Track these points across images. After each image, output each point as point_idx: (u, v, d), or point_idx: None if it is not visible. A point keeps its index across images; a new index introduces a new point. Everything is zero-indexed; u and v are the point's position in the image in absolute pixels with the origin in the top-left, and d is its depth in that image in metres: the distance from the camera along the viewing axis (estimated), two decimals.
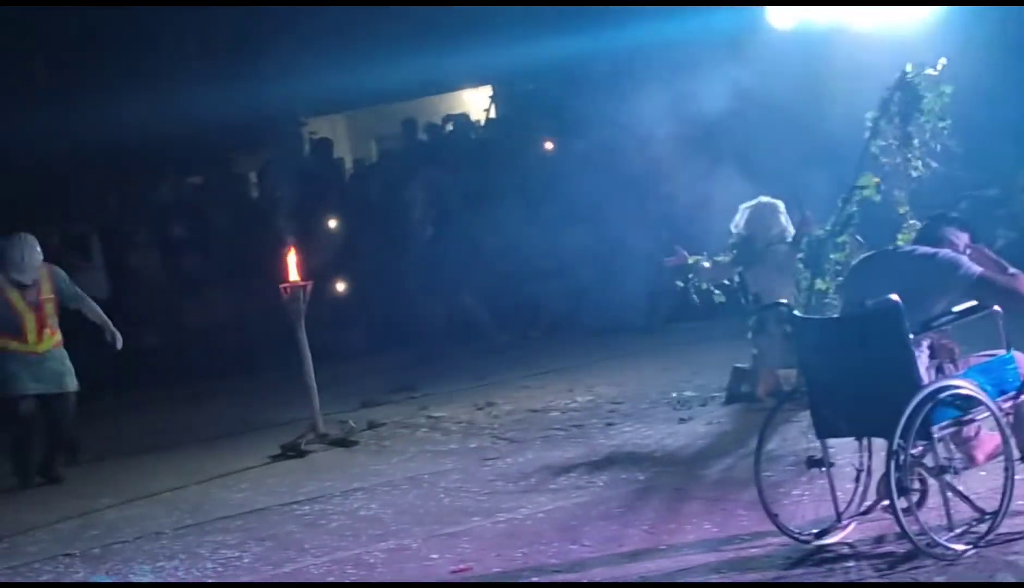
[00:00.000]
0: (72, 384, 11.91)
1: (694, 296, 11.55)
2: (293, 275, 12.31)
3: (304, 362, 12.16)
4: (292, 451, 11.75)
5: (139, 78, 18.98)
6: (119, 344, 12.06)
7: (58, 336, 11.97)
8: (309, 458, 11.57)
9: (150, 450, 12.82)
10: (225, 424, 13.66)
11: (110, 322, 12.12)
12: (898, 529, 6.90)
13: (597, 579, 7.24)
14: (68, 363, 11.94)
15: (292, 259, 12.53)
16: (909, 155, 10.42)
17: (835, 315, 8.17)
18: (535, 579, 7.32)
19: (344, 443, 11.91)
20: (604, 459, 10.12)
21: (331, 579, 7.89)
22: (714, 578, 7.04)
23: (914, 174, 10.47)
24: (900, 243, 9.69)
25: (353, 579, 7.84)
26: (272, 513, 9.79)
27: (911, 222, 10.42)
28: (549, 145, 18.71)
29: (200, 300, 17.50)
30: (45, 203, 17.61)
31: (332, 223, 17.64)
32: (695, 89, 15.25)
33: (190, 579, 8.29)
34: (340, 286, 16.51)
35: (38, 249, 11.99)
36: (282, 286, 12.41)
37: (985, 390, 7.14)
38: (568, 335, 16.37)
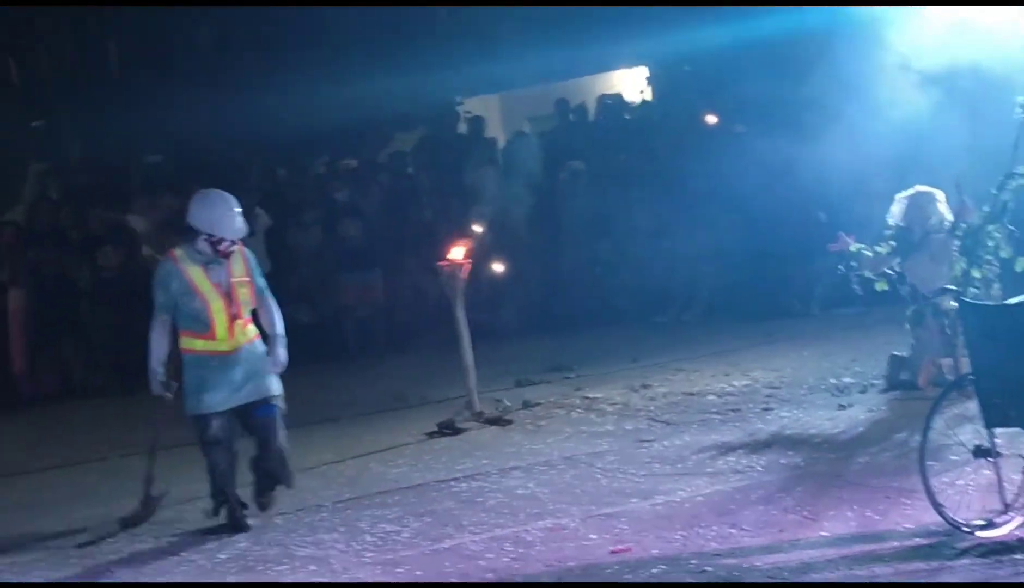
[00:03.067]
0: (276, 387, 9.41)
1: (855, 286, 11.40)
2: (451, 254, 12.41)
3: (461, 340, 12.25)
4: (448, 428, 11.84)
5: (303, 62, 19.32)
6: (278, 367, 9.39)
7: (252, 329, 9.45)
8: (465, 436, 11.64)
9: (308, 425, 12.96)
10: (381, 401, 13.79)
11: (283, 338, 9.50)
12: None
13: (757, 564, 7.19)
14: (266, 360, 9.43)
15: (451, 238, 12.66)
16: None
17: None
18: (694, 562, 7.29)
19: (500, 422, 11.97)
20: (762, 443, 10.05)
21: (489, 556, 7.94)
22: (878, 568, 6.96)
23: None
24: None
25: (511, 557, 7.88)
26: (429, 489, 9.88)
27: None
28: (711, 118, 18.58)
29: (358, 277, 17.65)
30: (214, 178, 17.95)
31: (487, 202, 17.68)
32: (854, 71, 15.03)
33: (350, 552, 8.39)
34: (495, 266, 16.56)
35: (237, 210, 9.36)
36: (440, 264, 12.53)
37: None
38: (724, 319, 16.26)
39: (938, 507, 7.35)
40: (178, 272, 9.27)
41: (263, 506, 9.43)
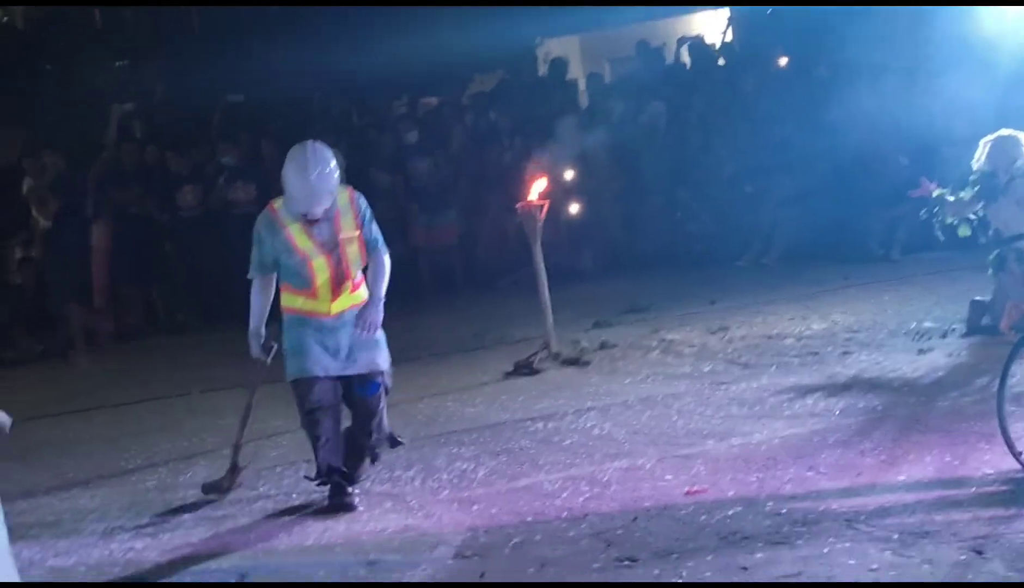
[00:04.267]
0: (382, 361, 8.37)
1: (938, 231, 11.28)
2: (530, 195, 12.42)
3: (539, 281, 12.27)
4: (525, 369, 11.88)
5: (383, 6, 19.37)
6: (367, 332, 8.25)
7: (362, 292, 8.35)
8: (542, 376, 11.68)
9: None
10: (459, 340, 13.85)
11: (381, 299, 8.37)
12: None
13: (833, 508, 7.17)
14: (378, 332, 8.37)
15: (529, 178, 12.67)
16: None
17: None
18: (768, 508, 7.29)
19: (577, 362, 12.00)
20: (840, 387, 10.00)
21: (564, 495, 7.96)
22: (955, 514, 6.91)
23: None
24: None
25: (587, 496, 7.90)
26: (506, 428, 9.92)
27: None
28: (783, 60, 18.43)
29: (432, 218, 17.71)
30: (293, 118, 18.07)
31: (566, 144, 17.64)
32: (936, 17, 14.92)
33: (426, 490, 8.46)
34: (574, 207, 16.55)
35: (333, 164, 8.18)
36: (518, 205, 12.54)
37: None
38: (803, 263, 16.15)
39: (1016, 454, 7.30)
40: (277, 226, 8.26)
41: (350, 480, 8.39)
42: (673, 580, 6.30)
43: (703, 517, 7.24)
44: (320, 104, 19.14)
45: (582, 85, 21.05)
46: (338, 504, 8.17)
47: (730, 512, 7.27)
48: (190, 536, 7.94)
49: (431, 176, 17.72)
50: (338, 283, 8.23)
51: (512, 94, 19.65)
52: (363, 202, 8.36)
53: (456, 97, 19.97)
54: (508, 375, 11.83)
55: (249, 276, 8.43)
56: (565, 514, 7.55)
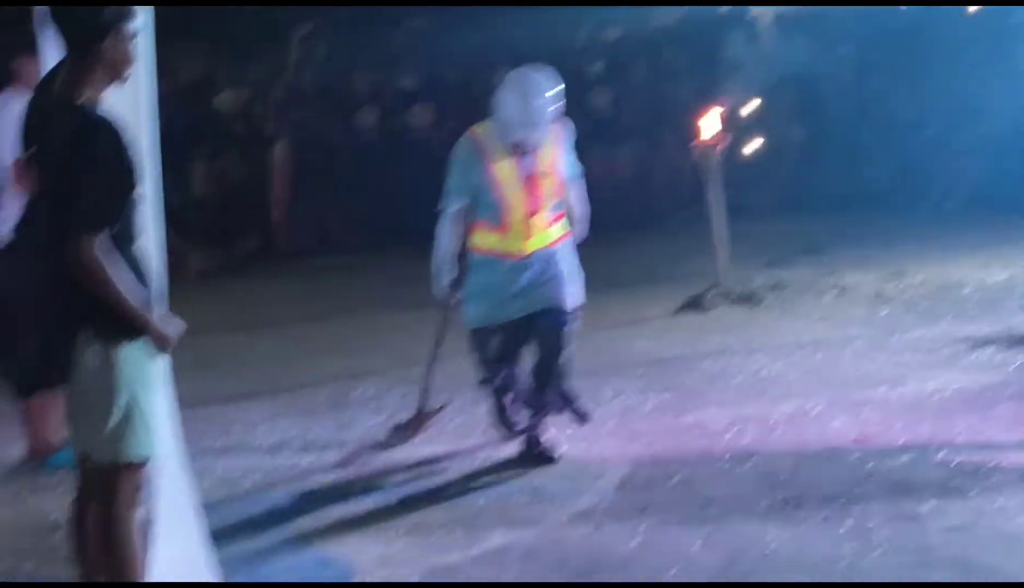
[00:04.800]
0: (571, 298, 7.63)
1: None
2: (706, 133, 12.27)
3: (713, 218, 12.14)
4: (695, 305, 11.80)
5: None
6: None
7: (555, 230, 7.68)
8: (712, 314, 11.57)
9: None
10: (629, 274, 13.78)
11: (584, 219, 7.90)
12: None
13: (1008, 461, 7.01)
14: (570, 265, 7.68)
15: (708, 115, 12.50)
16: None
17: None
18: (939, 458, 7.15)
19: (748, 301, 11.87)
20: (1018, 339, 9.74)
21: (730, 435, 7.91)
22: None
23: None
24: None
25: (753, 436, 7.84)
26: (673, 364, 9.87)
27: None
28: (972, 8, 17.90)
29: (605, 151, 17.62)
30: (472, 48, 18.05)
31: (746, 81, 17.40)
32: None
33: (593, 422, 8.42)
34: (752, 145, 16.33)
35: (557, 91, 7.52)
36: (693, 143, 12.40)
37: None
38: (986, 210, 15.73)
39: None
40: (478, 154, 7.58)
41: (532, 441, 7.73)
42: (841, 524, 6.22)
43: (871, 464, 7.13)
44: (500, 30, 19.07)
45: (765, 22, 20.67)
46: (534, 456, 7.63)
47: (900, 460, 7.15)
48: (355, 456, 8.03)
49: (611, 108, 17.60)
50: (532, 221, 7.55)
51: (692, 29, 19.39)
52: (570, 136, 7.73)
53: (639, 30, 19.75)
54: (678, 311, 11.75)
55: (440, 207, 7.69)
56: (730, 453, 7.50)
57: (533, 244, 7.60)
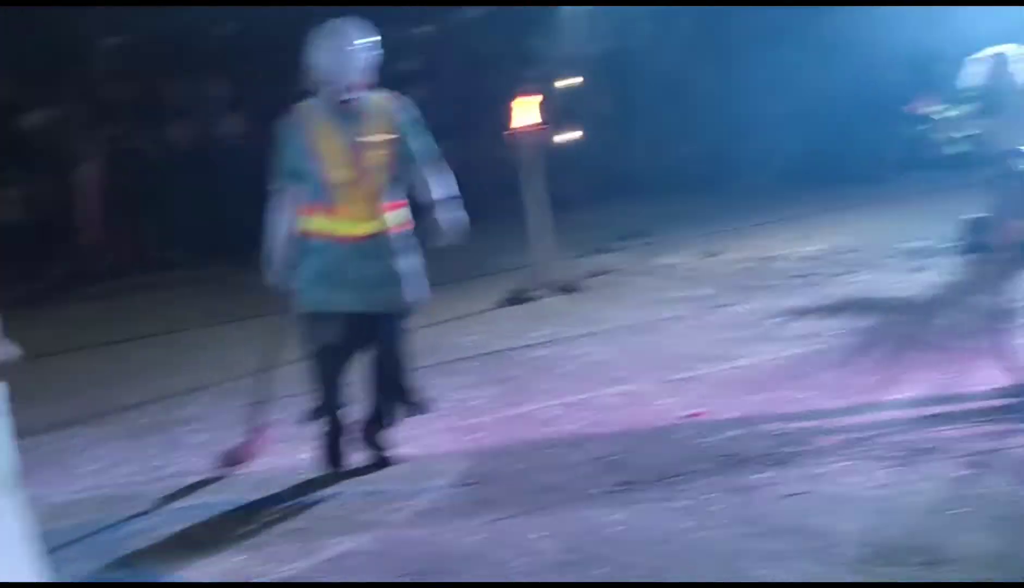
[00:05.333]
0: (411, 296, 7.36)
1: (933, 148, 11.24)
2: (520, 122, 12.35)
3: (533, 209, 12.23)
4: (520, 297, 11.88)
5: None
6: (443, 232, 7.43)
7: (394, 217, 7.26)
8: (538, 303, 11.68)
9: None
10: (452, 270, 13.75)
11: (447, 202, 7.37)
12: None
13: (834, 427, 7.17)
14: (409, 262, 7.32)
15: (521, 105, 12.58)
16: None
17: None
18: (767, 429, 7.29)
19: (571, 289, 11.99)
20: (837, 308, 10.01)
21: (565, 421, 7.97)
22: (951, 427, 6.92)
23: None
24: None
25: (588, 421, 7.90)
26: (504, 356, 9.92)
27: None
28: None
29: None
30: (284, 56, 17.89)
31: (557, 70, 17.55)
32: None
33: (425, 419, 8.40)
34: (568, 134, 16.48)
35: (374, 42, 7.18)
36: (506, 133, 12.47)
37: None
38: (798, 184, 16.11)
39: (1012, 370, 7.30)
40: (299, 123, 7.21)
41: (373, 443, 7.53)
42: (677, 501, 6.30)
43: (703, 439, 7.23)
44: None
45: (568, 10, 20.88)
46: (328, 456, 7.45)
47: (730, 434, 7.27)
48: (188, 470, 7.92)
49: (426, 104, 17.59)
50: (361, 199, 7.16)
51: (500, 20, 19.50)
52: (407, 110, 7.31)
53: (447, 24, 19.80)
54: (504, 303, 11.81)
55: (269, 188, 7.32)
56: (565, 440, 7.55)
57: (366, 227, 7.18)
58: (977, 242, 11.28)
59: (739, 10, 18.03)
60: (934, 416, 7.14)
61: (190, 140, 17.25)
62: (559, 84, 16.78)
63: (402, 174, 7.28)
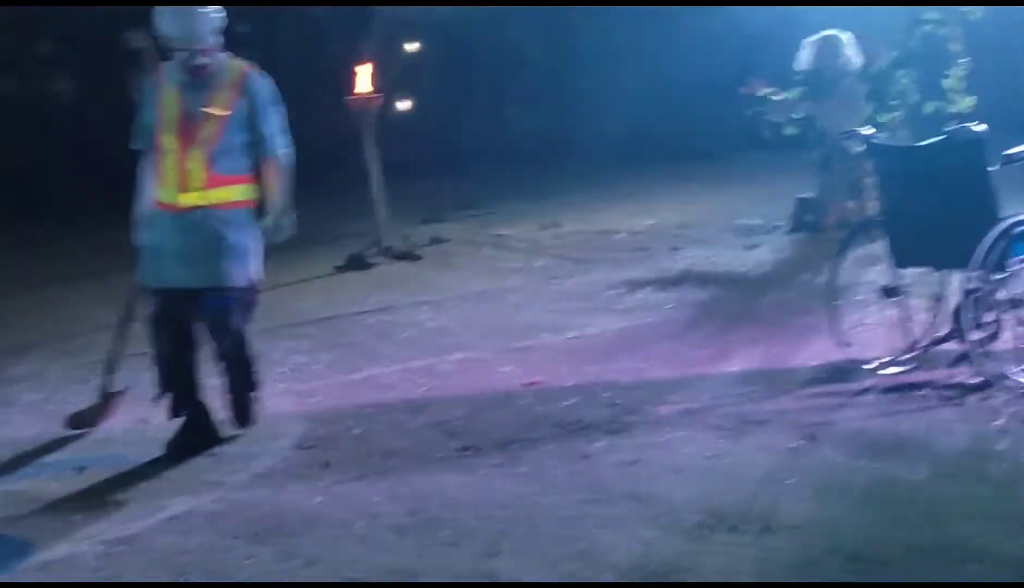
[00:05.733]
0: (234, 276, 7.05)
1: (764, 130, 11.47)
2: (360, 88, 12.32)
3: (370, 176, 12.23)
4: (357, 263, 11.87)
5: None
6: (270, 237, 7.21)
7: (226, 192, 7.04)
8: (374, 271, 11.69)
9: None
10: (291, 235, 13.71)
11: (281, 210, 7.18)
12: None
13: (669, 398, 7.31)
14: (241, 238, 7.05)
15: (361, 72, 12.54)
16: None
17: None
18: (607, 394, 7.40)
19: (409, 257, 12.03)
20: (671, 282, 10.19)
21: (403, 386, 8.01)
22: (784, 399, 7.12)
23: (971, 16, 10.22)
24: None
25: (425, 388, 7.95)
26: (340, 322, 9.92)
27: (962, 60, 10.28)
28: None
29: None
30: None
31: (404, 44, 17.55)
32: None
33: (265, 381, 8.38)
34: (406, 104, 16.47)
35: (219, 10, 7.08)
36: (348, 98, 12.43)
37: None
38: (633, 160, 16.32)
39: (844, 345, 7.51)
40: (153, 89, 7.14)
41: (240, 420, 7.33)
42: (518, 467, 6.38)
43: (541, 407, 7.33)
44: None
45: None
46: (194, 442, 7.07)
47: (568, 402, 7.37)
48: (22, 430, 7.79)
49: (262, 68, 17.44)
50: (186, 168, 6.97)
51: None
52: (260, 86, 7.11)
53: None
54: (340, 269, 11.80)
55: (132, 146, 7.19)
56: (405, 405, 7.59)
57: (190, 198, 6.96)
58: (807, 221, 11.57)
59: None
60: (767, 389, 7.33)
61: (17, 96, 16.86)
62: (405, 49, 16.76)
63: (244, 149, 7.06)
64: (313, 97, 17.45)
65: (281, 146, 7.20)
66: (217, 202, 7.02)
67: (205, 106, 6.98)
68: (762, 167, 14.47)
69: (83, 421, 7.70)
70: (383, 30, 17.61)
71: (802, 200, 11.68)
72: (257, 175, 7.15)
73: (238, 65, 7.14)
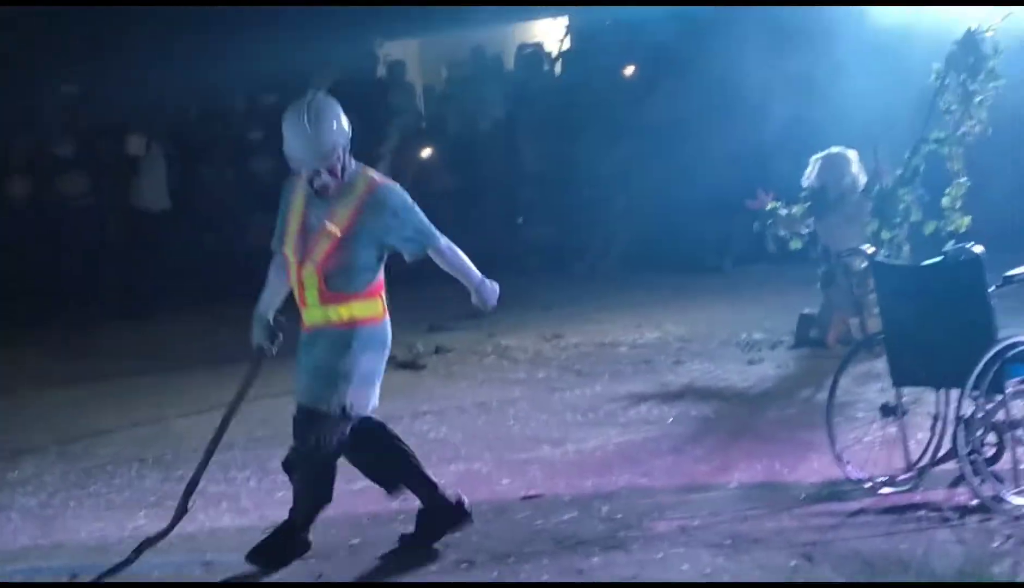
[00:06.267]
0: (322, 399, 6.76)
1: (771, 244, 11.51)
2: None
3: None
4: None
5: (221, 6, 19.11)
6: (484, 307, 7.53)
7: (343, 310, 6.77)
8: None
9: (224, 361, 12.93)
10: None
11: (479, 283, 7.42)
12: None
13: (667, 513, 7.30)
14: (343, 362, 6.75)
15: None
16: (971, 113, 10.25)
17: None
18: (606, 509, 7.39)
19: (412, 366, 12.02)
20: (673, 395, 10.19)
21: (402, 497, 7.96)
22: (783, 517, 7.10)
23: (968, 137, 10.28)
24: None
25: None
26: None
27: (962, 179, 10.36)
28: (629, 70, 18.66)
29: (271, 218, 17.64)
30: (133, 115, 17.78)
31: (399, 144, 17.70)
32: (779, 34, 15.28)
33: (261, 491, 8.42)
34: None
35: (341, 121, 6.83)
36: None
37: None
38: (638, 271, 16.37)
39: (842, 462, 7.51)
40: (290, 190, 6.99)
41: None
42: (513, 581, 6.35)
43: (539, 521, 7.32)
44: (155, 98, 18.86)
45: (419, 89, 21.08)
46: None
47: (566, 516, 7.36)
48: (18, 534, 7.78)
49: (272, 175, 17.62)
50: (302, 281, 6.77)
51: (350, 95, 19.54)
52: (386, 198, 6.79)
53: (294, 96, 19.76)
54: None
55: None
56: (403, 516, 7.55)
57: (310, 315, 6.77)
58: (811, 337, 11.58)
59: (583, 96, 18.33)
60: (766, 506, 7.32)
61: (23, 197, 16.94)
62: (420, 155, 16.91)
63: (367, 266, 6.82)
64: None
65: (431, 238, 7.02)
66: (333, 321, 6.77)
67: (323, 224, 6.72)
68: (767, 281, 14.51)
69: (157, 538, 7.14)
70: (400, 134, 17.81)
71: (806, 316, 11.71)
72: (381, 289, 6.97)
73: (366, 178, 6.86)
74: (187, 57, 17.93)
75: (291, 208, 6.86)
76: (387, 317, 7.02)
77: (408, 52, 22.46)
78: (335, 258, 6.72)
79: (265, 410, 10.63)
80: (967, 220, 10.37)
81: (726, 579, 6.16)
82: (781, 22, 15.72)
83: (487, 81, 19.72)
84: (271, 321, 6.98)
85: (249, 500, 8.24)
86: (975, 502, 6.93)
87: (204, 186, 17.82)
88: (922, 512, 7.03)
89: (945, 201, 10.45)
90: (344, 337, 6.75)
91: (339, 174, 6.75)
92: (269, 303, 7.01)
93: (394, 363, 11.86)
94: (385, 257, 6.93)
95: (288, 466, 7.08)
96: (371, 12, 19.72)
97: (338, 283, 6.73)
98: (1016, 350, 6.98)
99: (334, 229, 6.68)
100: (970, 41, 10.13)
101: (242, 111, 19.19)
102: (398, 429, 9.62)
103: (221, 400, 8.44)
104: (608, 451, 8.77)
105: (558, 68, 20.04)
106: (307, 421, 6.78)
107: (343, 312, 6.76)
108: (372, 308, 6.89)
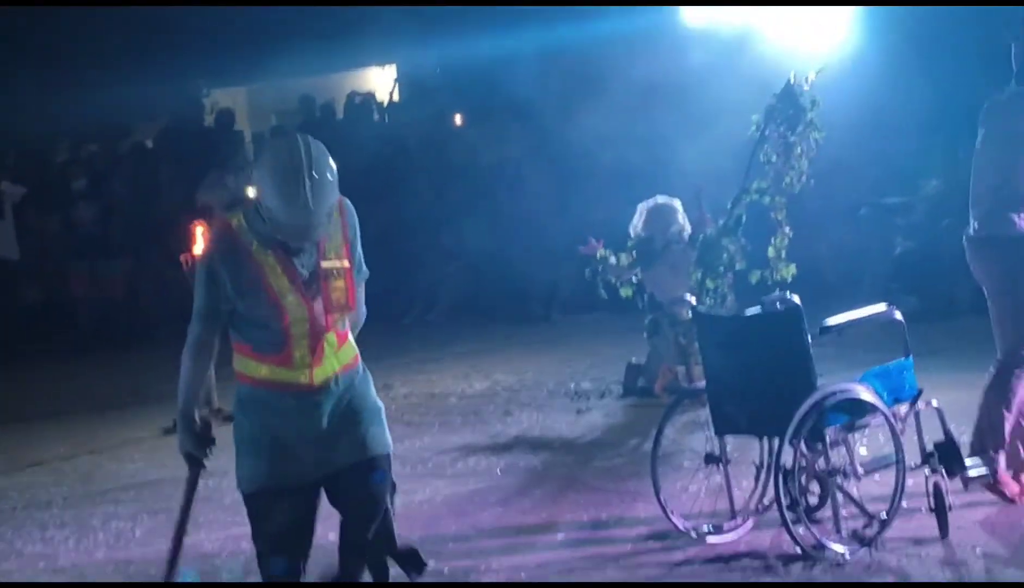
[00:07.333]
0: (384, 443, 6.05)
1: (602, 290, 11.58)
2: (195, 246, 12.21)
3: None
4: None
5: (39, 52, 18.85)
6: None
7: (350, 349, 5.99)
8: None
9: (39, 416, 12.67)
10: (117, 394, 13.53)
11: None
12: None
13: (495, 566, 7.28)
14: (371, 400, 6.06)
15: (195, 229, 12.44)
16: (792, 164, 10.46)
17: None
18: (432, 564, 7.31)
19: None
20: (502, 446, 10.16)
21: (225, 554, 7.85)
22: (610, 569, 7.12)
23: (792, 188, 10.49)
24: None
25: (248, 555, 7.76)
26: (165, 486, 9.68)
27: (786, 229, 10.58)
28: (458, 119, 18.76)
29: (93, 266, 17.37)
30: None
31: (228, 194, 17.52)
32: (604, 83, 15.45)
33: (80, 550, 8.23)
34: None
35: (335, 168, 5.73)
36: (182, 256, 12.30)
37: (880, 396, 7.26)
38: (467, 320, 16.38)
39: (668, 511, 7.54)
40: (241, 256, 5.71)
41: None
42: None
43: (366, 576, 7.20)
44: None
45: (248, 137, 20.92)
46: None
47: (391, 571, 7.26)
48: None
49: (97, 224, 17.40)
50: (319, 340, 5.78)
51: (176, 143, 19.35)
52: (354, 216, 5.92)
53: (117, 144, 19.52)
54: (168, 431, 11.54)
55: (189, 330, 5.97)
56: (225, 575, 7.43)
57: (324, 371, 5.83)
58: (638, 386, 11.66)
59: (412, 145, 18.35)
60: (594, 556, 7.34)
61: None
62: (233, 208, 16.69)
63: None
64: (148, 253, 17.32)
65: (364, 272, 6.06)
66: (347, 365, 5.97)
67: (323, 262, 5.81)
68: (597, 331, 14.62)
69: None
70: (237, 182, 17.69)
71: (633, 365, 11.78)
72: None
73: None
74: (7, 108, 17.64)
75: (257, 268, 5.70)
76: None
77: (236, 100, 22.32)
78: (353, 292, 5.90)
79: (88, 465, 10.46)
80: (792, 269, 10.57)
81: None
82: (603, 70, 15.94)
83: (316, 129, 19.62)
84: (198, 421, 6.19)
85: (68, 560, 8.04)
86: (796, 551, 6.99)
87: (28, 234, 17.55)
88: (746, 561, 7.08)
89: (770, 251, 10.65)
90: (362, 373, 6.04)
91: None
92: (192, 397, 6.17)
93: (221, 416, 11.70)
94: None
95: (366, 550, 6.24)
96: (197, 59, 19.59)
97: (343, 321, 5.95)
98: (835, 399, 7.09)
99: (344, 263, 5.83)
100: (788, 93, 10.35)
101: (63, 160, 18.91)
102: (221, 482, 9.55)
103: (38, 457, 8.25)
104: (436, 503, 8.71)
105: (387, 117, 20.07)
106: (383, 473, 6.02)
107: (351, 350, 6.01)
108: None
